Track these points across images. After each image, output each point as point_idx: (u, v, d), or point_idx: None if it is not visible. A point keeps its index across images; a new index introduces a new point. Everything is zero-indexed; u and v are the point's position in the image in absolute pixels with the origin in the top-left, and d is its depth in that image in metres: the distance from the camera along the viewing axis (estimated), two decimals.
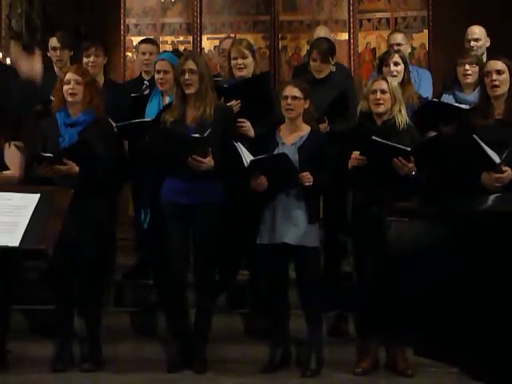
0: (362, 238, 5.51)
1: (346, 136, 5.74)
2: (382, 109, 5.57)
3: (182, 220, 5.53)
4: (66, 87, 5.61)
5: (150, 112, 6.09)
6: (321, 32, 7.72)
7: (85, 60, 6.50)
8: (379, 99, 5.55)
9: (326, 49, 6.34)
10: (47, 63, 6.45)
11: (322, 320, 5.76)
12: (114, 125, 5.90)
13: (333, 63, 6.41)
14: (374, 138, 5.34)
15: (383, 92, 5.56)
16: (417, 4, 8.93)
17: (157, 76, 6.07)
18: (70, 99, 5.63)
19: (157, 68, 6.08)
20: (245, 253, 6.25)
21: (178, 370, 5.59)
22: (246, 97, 5.88)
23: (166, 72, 6.00)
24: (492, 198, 4.09)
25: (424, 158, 5.44)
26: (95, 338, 5.71)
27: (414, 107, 6.08)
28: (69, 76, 5.63)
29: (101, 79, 6.54)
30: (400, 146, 5.37)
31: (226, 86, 6.04)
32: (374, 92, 5.58)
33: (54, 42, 6.75)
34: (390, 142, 5.35)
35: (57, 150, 5.51)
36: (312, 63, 6.35)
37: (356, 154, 5.48)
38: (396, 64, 6.23)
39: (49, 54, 6.74)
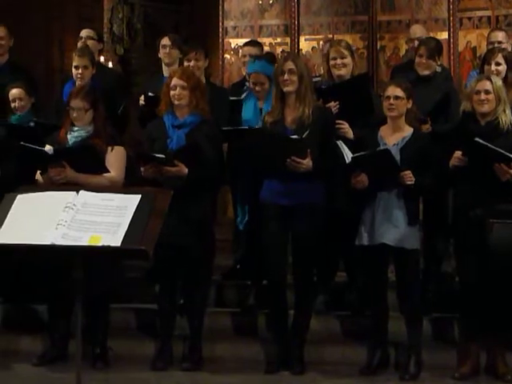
0: (464, 239, 5.42)
1: (448, 136, 5.66)
2: (485, 108, 5.46)
3: (281, 221, 5.55)
4: (172, 92, 5.70)
5: (246, 114, 6.20)
6: (417, 30, 7.72)
7: (185, 64, 6.56)
8: (483, 100, 5.45)
9: (434, 47, 6.44)
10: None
11: (422, 323, 5.69)
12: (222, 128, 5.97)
13: (438, 63, 6.44)
14: (476, 139, 5.24)
15: (487, 92, 5.45)
16: None
17: (252, 86, 6.19)
18: (176, 103, 5.72)
19: (252, 81, 6.22)
20: (342, 254, 6.23)
21: (275, 370, 5.60)
22: (345, 98, 5.85)
23: (262, 84, 6.14)
24: None
25: None
26: (197, 337, 5.76)
27: None
28: (174, 82, 5.71)
29: None
30: (503, 151, 5.24)
31: (323, 87, 6.04)
32: (478, 92, 5.46)
33: (165, 40, 6.85)
34: (492, 146, 5.22)
35: (164, 151, 5.60)
36: (418, 59, 6.39)
37: (458, 153, 5.39)
38: (498, 64, 6.11)
39: (159, 55, 6.86)
